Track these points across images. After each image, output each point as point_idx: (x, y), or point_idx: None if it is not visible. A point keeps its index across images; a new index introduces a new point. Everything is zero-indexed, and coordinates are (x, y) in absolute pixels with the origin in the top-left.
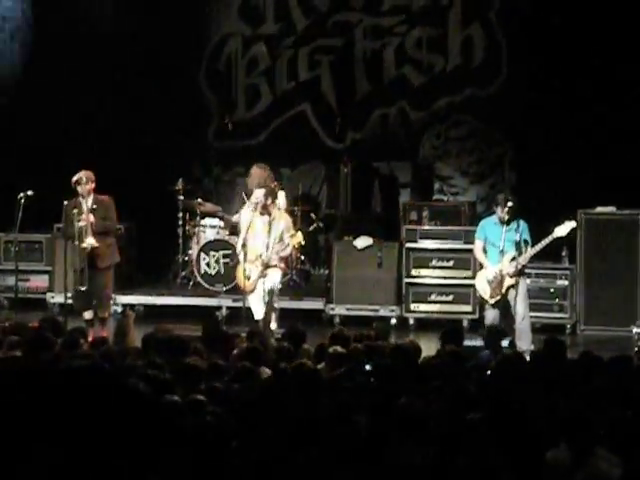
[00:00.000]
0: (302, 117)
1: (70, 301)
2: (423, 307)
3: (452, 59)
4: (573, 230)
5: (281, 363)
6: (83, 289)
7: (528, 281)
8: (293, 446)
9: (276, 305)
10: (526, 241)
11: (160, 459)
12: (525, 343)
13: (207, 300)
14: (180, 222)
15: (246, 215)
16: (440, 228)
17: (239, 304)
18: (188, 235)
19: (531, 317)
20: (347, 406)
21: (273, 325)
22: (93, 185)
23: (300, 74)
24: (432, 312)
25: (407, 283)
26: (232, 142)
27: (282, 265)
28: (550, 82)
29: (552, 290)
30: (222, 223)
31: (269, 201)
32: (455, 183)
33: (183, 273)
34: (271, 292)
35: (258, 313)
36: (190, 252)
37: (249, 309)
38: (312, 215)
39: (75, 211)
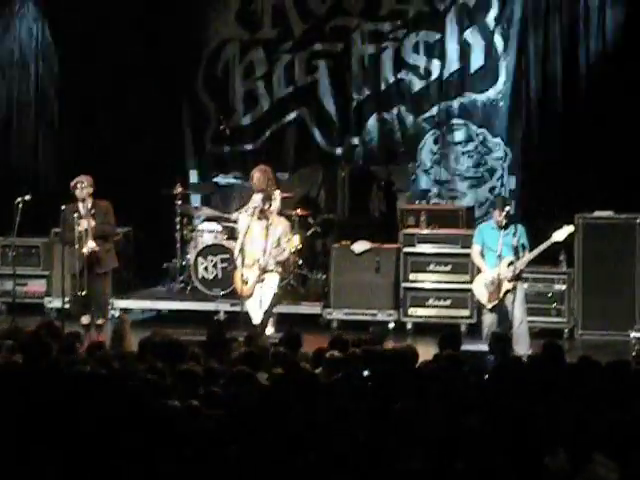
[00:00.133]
0: (300, 122)
1: (68, 306)
2: (421, 311)
3: (450, 64)
4: (571, 235)
5: (277, 368)
6: (83, 294)
7: (526, 285)
8: (291, 451)
9: (274, 310)
10: (524, 245)
11: (159, 464)
12: (523, 348)
13: (205, 305)
14: (177, 227)
15: (244, 220)
16: (438, 232)
17: (237, 308)
18: (186, 240)
19: (529, 321)
20: (345, 411)
21: (270, 330)
22: (91, 189)
23: (298, 79)
24: (430, 316)
25: (405, 288)
26: (229, 147)
27: (279, 270)
28: (548, 86)
29: (550, 294)
30: (220, 227)
31: (267, 206)
32: (453, 187)
33: (181, 278)
34: (271, 300)
35: (256, 318)
36: (188, 257)
37: (247, 314)
38: (310, 220)
39: (75, 215)
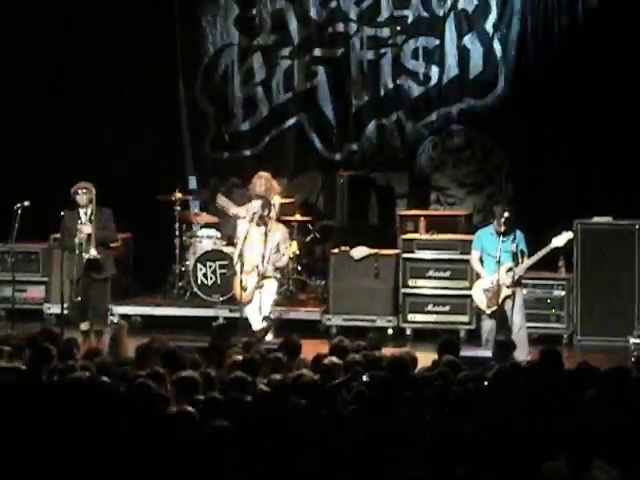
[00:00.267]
0: (299, 128)
1: (67, 312)
2: (420, 317)
3: (449, 70)
4: (570, 241)
5: (276, 374)
6: (78, 299)
7: (525, 291)
8: (292, 457)
9: (272, 316)
10: (523, 251)
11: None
12: (522, 354)
13: (204, 311)
14: (177, 233)
15: (243, 226)
16: (437, 238)
17: (236, 314)
18: (185, 246)
19: (528, 327)
20: (345, 417)
21: (269, 336)
22: (92, 195)
23: (297, 85)
24: (429, 322)
25: (404, 293)
26: (229, 153)
27: (278, 276)
28: (547, 93)
29: (549, 300)
30: (219, 234)
31: (266, 212)
32: (452, 194)
33: (180, 284)
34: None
35: (255, 324)
36: (187, 263)
37: (246, 320)
38: (309, 226)
39: (79, 221)
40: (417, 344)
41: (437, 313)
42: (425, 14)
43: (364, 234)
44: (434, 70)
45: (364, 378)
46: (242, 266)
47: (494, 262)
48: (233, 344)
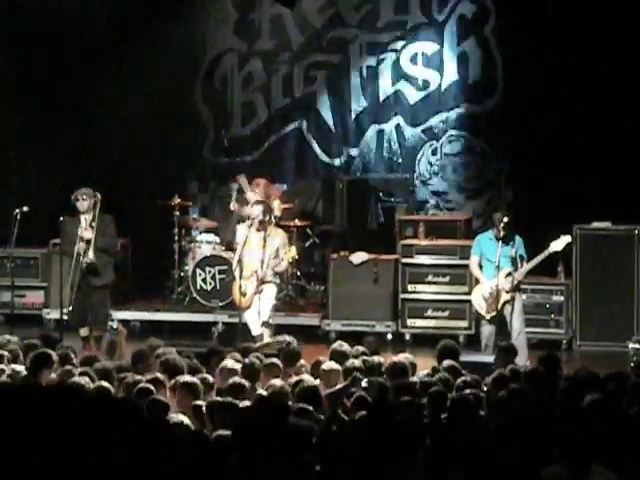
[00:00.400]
0: (298, 133)
1: (66, 317)
2: (419, 323)
3: (448, 75)
4: (569, 245)
5: (275, 380)
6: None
7: (524, 296)
8: (292, 462)
9: (271, 321)
10: (522, 256)
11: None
12: (521, 359)
13: (203, 316)
14: (176, 238)
15: (242, 231)
16: (436, 244)
17: (235, 320)
18: (184, 251)
19: (527, 333)
20: (346, 422)
21: (268, 340)
22: (93, 201)
23: (296, 90)
24: (428, 328)
25: (403, 299)
26: (228, 158)
27: (277, 281)
28: (546, 98)
29: (548, 306)
30: (218, 239)
31: (267, 217)
32: (451, 199)
33: (179, 289)
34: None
35: (255, 329)
36: (186, 268)
37: (245, 325)
38: (308, 231)
39: (82, 226)
40: (416, 349)
41: (436, 318)
42: (424, 20)
43: (363, 239)
44: (433, 75)
45: (363, 384)
46: (241, 271)
47: (493, 267)
48: (232, 350)
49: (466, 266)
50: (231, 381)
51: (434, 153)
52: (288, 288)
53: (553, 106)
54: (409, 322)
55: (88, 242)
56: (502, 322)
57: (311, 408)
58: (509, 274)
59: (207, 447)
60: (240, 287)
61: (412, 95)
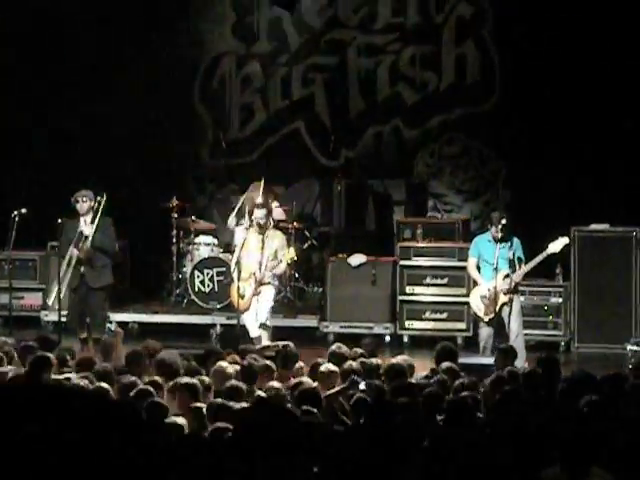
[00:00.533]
0: (296, 135)
1: (64, 319)
2: (417, 324)
3: (446, 77)
4: (566, 246)
5: (274, 382)
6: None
7: (522, 298)
8: (292, 467)
9: (268, 323)
10: (520, 258)
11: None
12: (519, 361)
13: (201, 318)
14: (174, 240)
15: (240, 233)
16: (434, 245)
17: (233, 322)
18: (182, 253)
19: (525, 334)
20: (345, 424)
21: (266, 342)
22: (92, 203)
23: (294, 92)
24: (426, 329)
25: (401, 300)
26: (226, 160)
27: (276, 283)
28: (544, 99)
29: (546, 307)
30: (216, 241)
31: (269, 221)
32: (449, 200)
33: (177, 291)
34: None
35: (253, 331)
36: (184, 270)
37: (243, 327)
38: (306, 233)
39: (80, 229)
40: (414, 351)
41: (434, 320)
42: (422, 21)
43: (361, 241)
44: (431, 77)
45: (361, 386)
46: (239, 273)
47: (491, 269)
48: (231, 351)
49: (464, 268)
50: (229, 383)
51: (432, 155)
52: (286, 290)
53: (551, 107)
54: (407, 324)
55: (86, 238)
56: (500, 324)
57: (315, 410)
58: (507, 276)
59: (206, 449)
60: (238, 289)
61: (410, 97)
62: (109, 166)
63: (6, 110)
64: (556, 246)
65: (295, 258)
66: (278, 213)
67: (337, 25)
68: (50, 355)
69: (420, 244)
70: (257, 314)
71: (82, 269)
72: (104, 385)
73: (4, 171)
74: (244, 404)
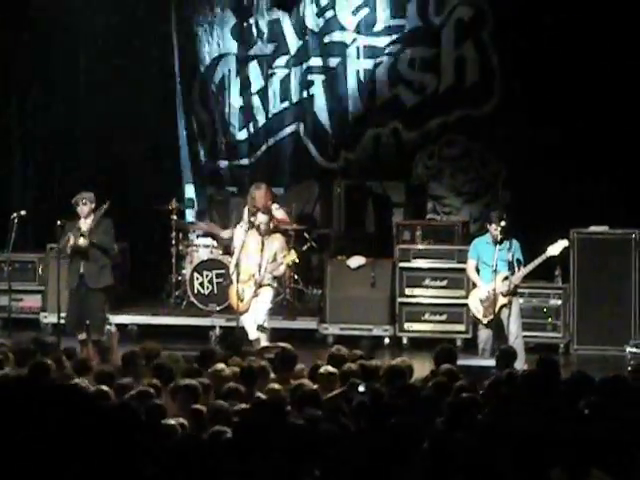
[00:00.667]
0: (295, 137)
1: (63, 321)
2: (416, 326)
3: (445, 79)
4: (566, 249)
5: (273, 384)
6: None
7: (521, 300)
8: (294, 468)
9: (266, 325)
10: (519, 260)
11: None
12: (518, 363)
13: (200, 320)
14: (173, 242)
15: (240, 235)
16: (433, 247)
17: (232, 324)
18: (181, 255)
19: (524, 336)
20: (345, 426)
21: (264, 344)
22: (93, 205)
23: (293, 94)
24: (425, 331)
25: (400, 302)
26: (225, 162)
27: (275, 285)
28: (543, 102)
29: (545, 309)
30: (215, 242)
31: (270, 224)
32: (448, 203)
33: (176, 293)
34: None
35: (252, 333)
36: (183, 272)
37: (243, 329)
38: (305, 235)
39: (82, 230)
40: (414, 353)
41: (434, 322)
42: (421, 23)
43: (361, 243)
44: (430, 79)
45: (360, 388)
46: (238, 275)
47: (490, 271)
48: (230, 353)
49: (463, 270)
50: (228, 385)
51: (431, 157)
52: (285, 292)
53: (551, 110)
54: (406, 326)
55: (83, 235)
56: (499, 326)
57: (320, 413)
58: (506, 278)
59: (205, 450)
60: (237, 291)
61: (409, 99)
62: (107, 168)
63: (6, 110)
64: (555, 249)
65: (297, 260)
66: (281, 214)
67: (336, 27)
68: (49, 361)
69: (419, 246)
70: (256, 317)
71: (82, 269)
72: (104, 388)
73: (4, 171)
74: (243, 405)
